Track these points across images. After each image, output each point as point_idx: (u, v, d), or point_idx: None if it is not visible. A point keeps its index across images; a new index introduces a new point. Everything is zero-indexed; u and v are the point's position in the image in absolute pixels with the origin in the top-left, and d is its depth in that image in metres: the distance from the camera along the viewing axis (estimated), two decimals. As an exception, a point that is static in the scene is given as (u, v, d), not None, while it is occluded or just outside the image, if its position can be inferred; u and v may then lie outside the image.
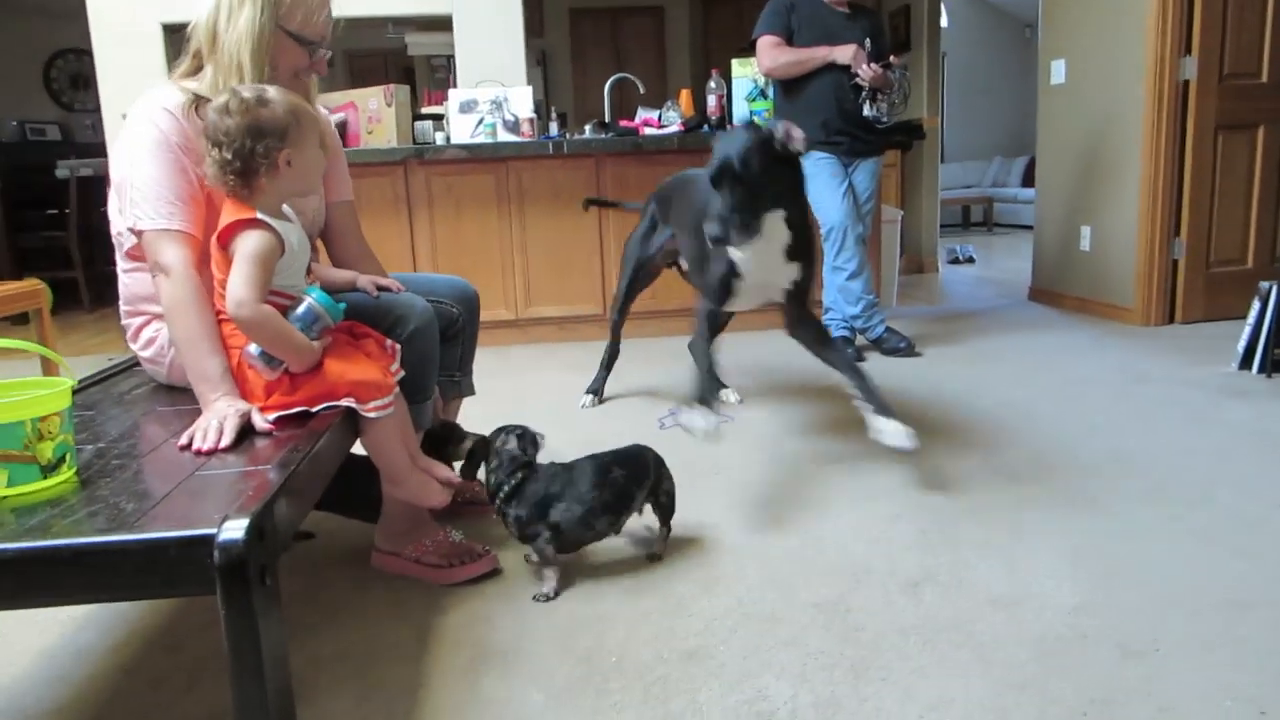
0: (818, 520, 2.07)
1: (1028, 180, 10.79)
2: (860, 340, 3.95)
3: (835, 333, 3.95)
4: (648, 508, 1.87)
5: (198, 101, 1.66)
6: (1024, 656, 1.48)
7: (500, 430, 1.90)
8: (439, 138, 4.38)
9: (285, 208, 1.63)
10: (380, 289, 1.85)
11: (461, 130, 4.32)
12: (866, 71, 3.55)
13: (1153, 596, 1.65)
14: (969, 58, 10.97)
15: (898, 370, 3.58)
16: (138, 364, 1.93)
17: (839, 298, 3.87)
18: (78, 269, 6.49)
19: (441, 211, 4.33)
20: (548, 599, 1.75)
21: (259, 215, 1.53)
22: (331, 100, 4.34)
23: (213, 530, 1.02)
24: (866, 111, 3.68)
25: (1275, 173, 4.14)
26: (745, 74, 4.38)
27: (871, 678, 1.44)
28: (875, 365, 3.66)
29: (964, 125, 11.21)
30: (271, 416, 1.50)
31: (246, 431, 1.45)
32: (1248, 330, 3.31)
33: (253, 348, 1.53)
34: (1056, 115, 4.83)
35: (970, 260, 7.28)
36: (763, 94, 4.34)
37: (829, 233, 3.78)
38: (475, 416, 2.29)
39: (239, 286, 1.49)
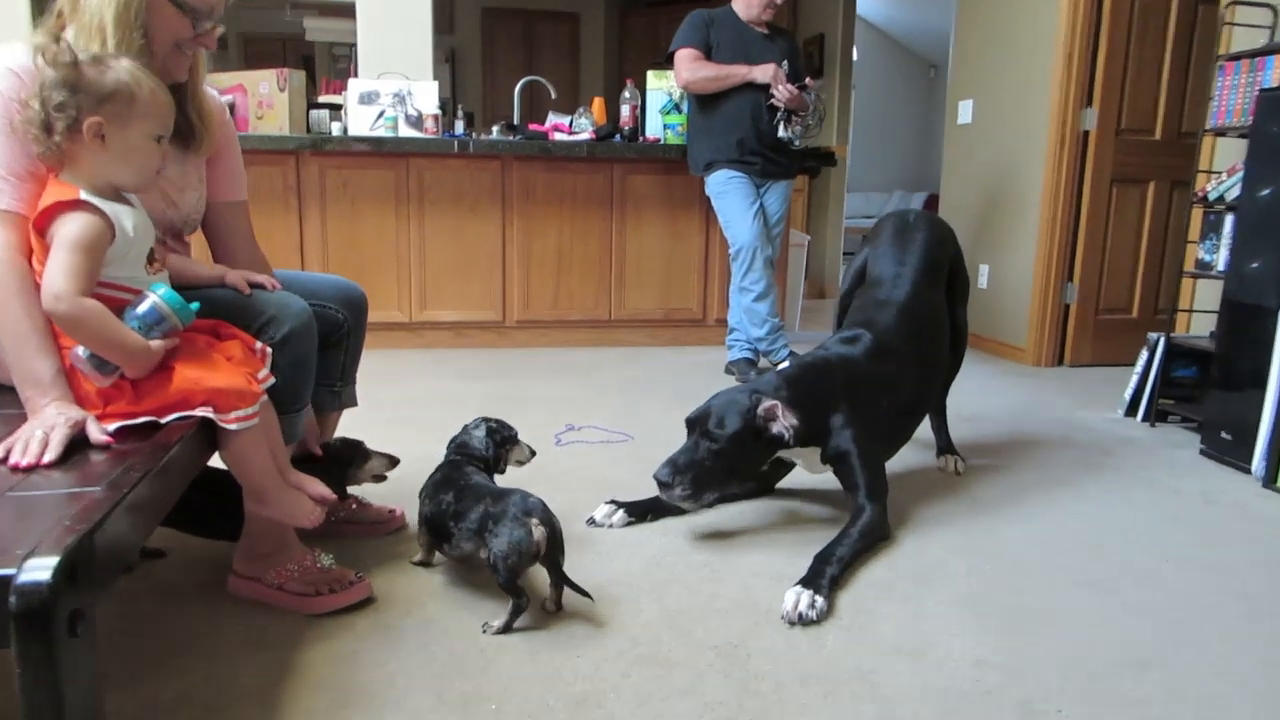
0: (718, 556, 1.97)
1: (925, 215, 11.15)
2: (763, 363, 3.91)
3: (738, 354, 3.90)
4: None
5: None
6: (927, 713, 1.40)
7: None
8: (335, 128, 4.15)
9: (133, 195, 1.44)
10: (254, 286, 1.67)
11: (360, 122, 4.10)
12: (784, 92, 3.52)
13: (1053, 651, 1.61)
14: (875, 93, 11.26)
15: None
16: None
17: (744, 319, 3.82)
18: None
19: (335, 207, 4.10)
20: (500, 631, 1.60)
21: (83, 196, 1.34)
22: (218, 81, 4.05)
23: (11, 570, 0.84)
24: (781, 133, 3.65)
25: (1162, 228, 4.31)
26: (660, 86, 4.30)
27: (772, 734, 1.34)
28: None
29: (867, 157, 11.49)
30: (112, 427, 1.31)
31: (80, 444, 1.26)
32: (1134, 379, 3.40)
33: (81, 349, 1.34)
34: (961, 154, 4.93)
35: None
36: (677, 108, 4.28)
37: (738, 252, 3.73)
38: (354, 428, 2.11)
39: (56, 277, 1.29)
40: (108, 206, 1.35)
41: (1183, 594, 1.86)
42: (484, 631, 1.59)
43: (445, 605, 1.70)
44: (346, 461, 1.94)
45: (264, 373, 1.54)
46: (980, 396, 3.65)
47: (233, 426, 1.41)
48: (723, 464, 1.98)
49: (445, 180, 4.17)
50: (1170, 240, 4.31)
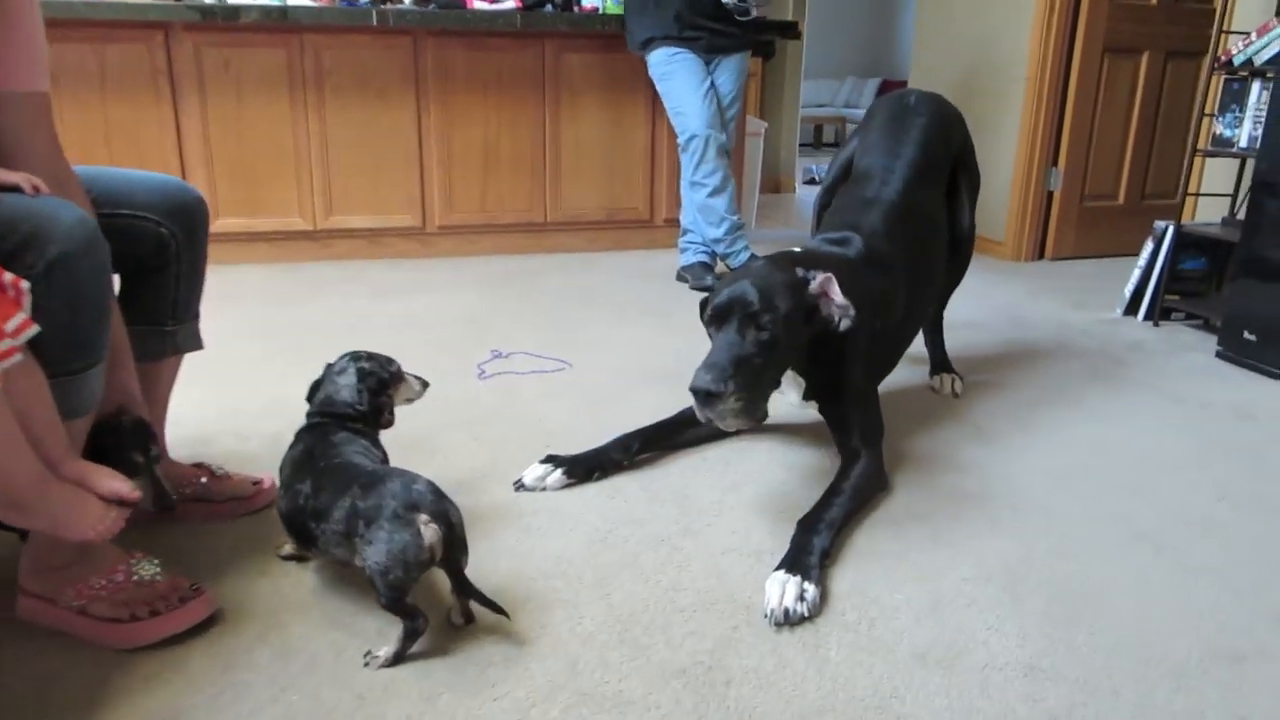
0: (679, 526, 1.56)
1: (880, 102, 10.60)
2: (720, 267, 3.46)
3: (692, 258, 3.43)
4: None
5: None
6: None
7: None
8: (211, -3, 3.48)
9: None
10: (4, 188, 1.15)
11: (241, -11, 3.44)
12: None
13: (1119, 646, 1.24)
14: (827, -29, 10.53)
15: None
16: None
17: (699, 218, 3.35)
18: None
19: (217, 94, 3.46)
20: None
21: None
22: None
23: None
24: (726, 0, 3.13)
25: (1154, 105, 3.89)
26: (596, -53, 3.69)
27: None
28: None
29: (819, 42, 10.82)
30: None
31: None
32: (1136, 273, 3.03)
33: None
34: (935, 27, 4.41)
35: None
36: (613, -27, 3.68)
37: (688, 142, 3.24)
38: (218, 371, 1.62)
39: None
40: None
41: (1248, 545, 1.51)
42: (365, 664, 1.16)
43: (314, 622, 1.26)
44: (115, 447, 1.27)
45: (18, 319, 1.05)
46: (961, 298, 3.24)
47: (-51, 406, 0.93)
48: (776, 360, 1.50)
49: (348, 61, 3.55)
50: (1163, 118, 3.90)
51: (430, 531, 1.10)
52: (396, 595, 1.10)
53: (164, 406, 1.55)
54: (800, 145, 7.30)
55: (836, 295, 1.53)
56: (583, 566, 1.40)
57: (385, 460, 1.36)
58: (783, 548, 1.44)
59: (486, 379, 2.29)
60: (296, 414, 1.61)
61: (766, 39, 4.03)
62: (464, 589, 1.18)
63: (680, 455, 1.83)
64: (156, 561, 1.26)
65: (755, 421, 1.48)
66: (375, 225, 3.74)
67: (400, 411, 1.47)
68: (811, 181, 6.87)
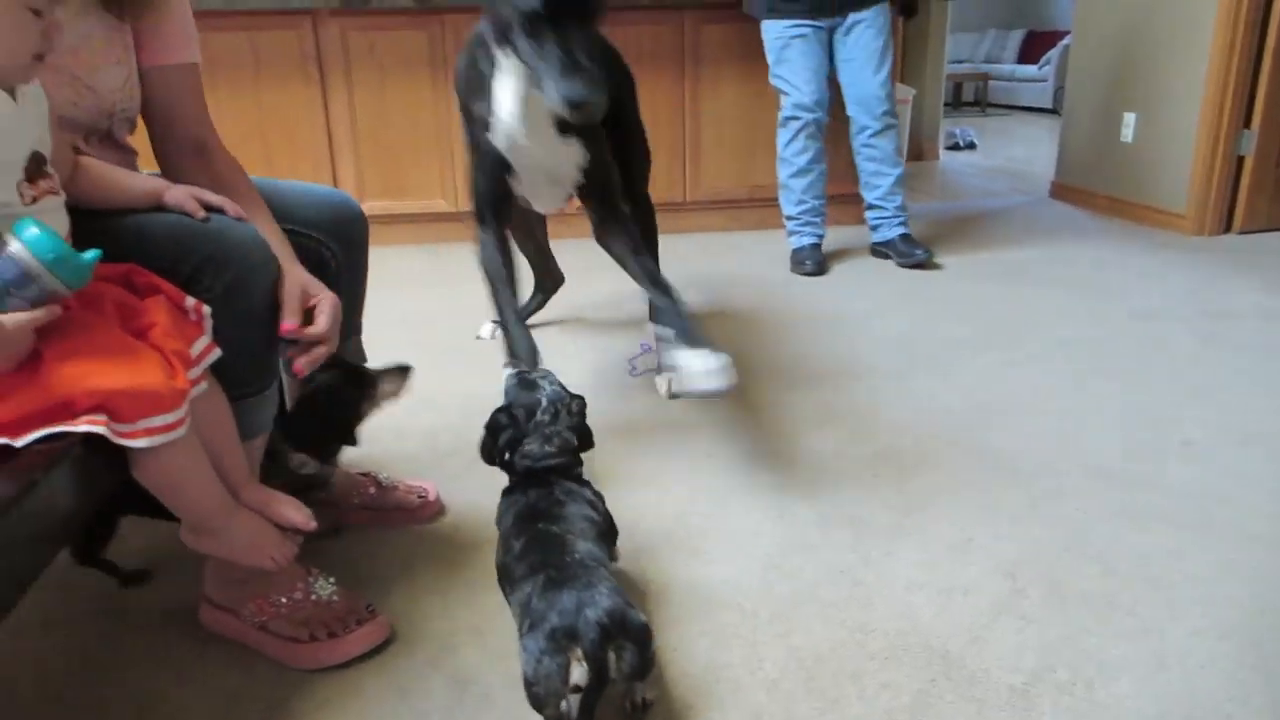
0: (857, 555, 1.45)
1: (1025, 56, 9.96)
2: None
3: (891, 233, 3.27)
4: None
5: None
6: None
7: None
8: (356, -20, 3.50)
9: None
10: (211, 209, 1.14)
11: (384, -29, 3.44)
12: None
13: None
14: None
15: (915, 288, 2.94)
16: None
17: (780, 193, 3.32)
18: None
19: (362, 77, 3.50)
20: None
21: None
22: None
23: None
24: None
25: (1369, 55, 3.45)
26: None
27: None
28: (890, 279, 3.01)
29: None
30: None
31: None
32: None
33: (-109, 327, 0.84)
34: (1104, -19, 4.04)
35: (972, 146, 6.55)
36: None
37: (787, 119, 3.18)
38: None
39: None
40: None
41: None
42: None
43: (489, 652, 1.22)
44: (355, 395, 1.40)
45: (202, 343, 1.04)
46: (1145, 278, 2.98)
47: (142, 443, 0.91)
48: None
49: (487, 40, 3.52)
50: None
51: (579, 671, 0.96)
52: (535, 705, 0.99)
53: (330, 416, 1.55)
54: (946, 105, 6.93)
55: None
56: (758, 599, 1.32)
57: (608, 517, 1.26)
58: (975, 583, 1.32)
59: (637, 375, 2.23)
60: (449, 410, 1.58)
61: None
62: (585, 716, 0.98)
63: (848, 468, 1.72)
64: (332, 580, 1.25)
65: None
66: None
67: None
68: (954, 146, 6.51)
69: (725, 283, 3.07)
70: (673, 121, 3.69)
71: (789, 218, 3.31)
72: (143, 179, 1.16)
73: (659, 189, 3.72)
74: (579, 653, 0.96)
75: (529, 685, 0.97)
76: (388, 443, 1.86)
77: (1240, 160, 3.54)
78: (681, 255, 3.45)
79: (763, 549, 1.45)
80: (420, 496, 1.56)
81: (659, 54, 3.60)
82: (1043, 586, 1.33)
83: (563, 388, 1.33)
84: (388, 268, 3.27)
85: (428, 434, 1.89)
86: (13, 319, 0.85)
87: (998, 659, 1.17)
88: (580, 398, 1.33)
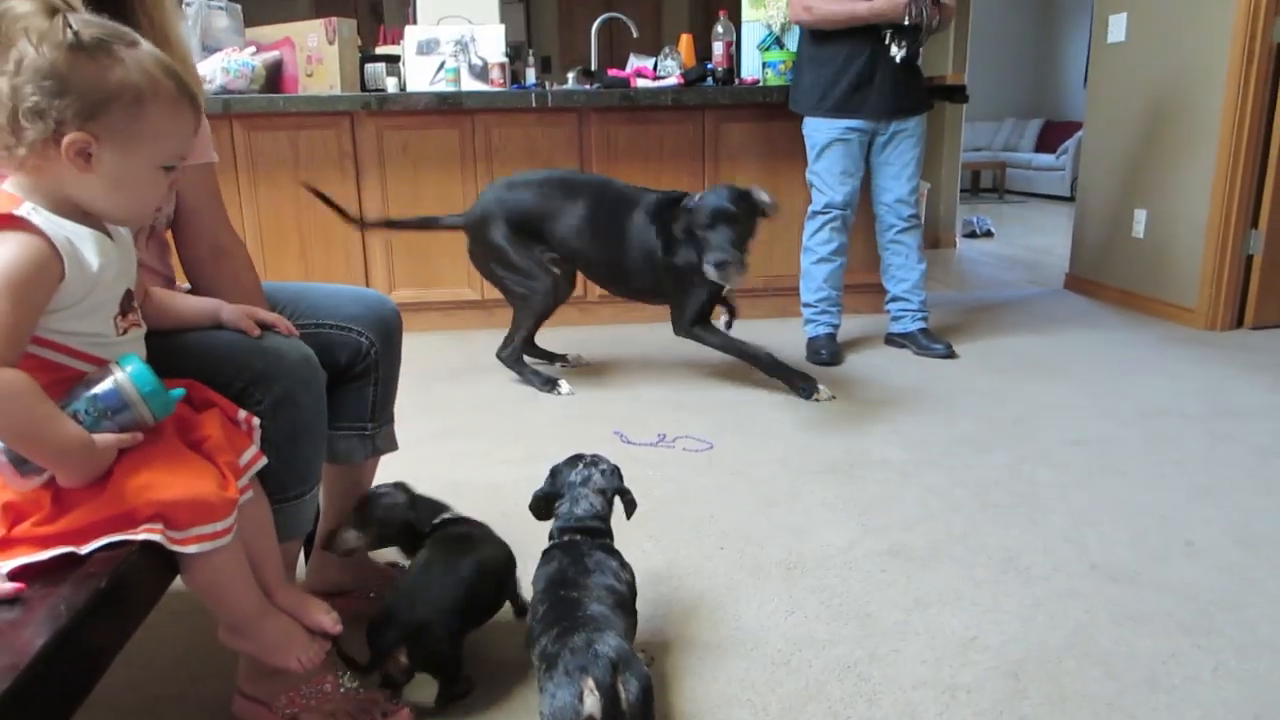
0: (863, 649, 1.50)
1: (1043, 145, 10.16)
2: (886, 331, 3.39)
3: (912, 326, 3.39)
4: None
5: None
6: None
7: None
8: (392, 83, 3.70)
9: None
10: (264, 327, 1.24)
11: (419, 76, 3.65)
12: (924, 11, 2.93)
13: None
14: (985, 9, 10.23)
15: (929, 379, 3.00)
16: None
17: (802, 281, 3.45)
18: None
19: (395, 172, 3.68)
20: None
21: (23, 210, 0.93)
22: (265, 35, 3.66)
23: None
24: (894, 52, 3.06)
25: (1371, 157, 3.55)
26: (758, 17, 3.72)
27: None
28: (905, 370, 3.08)
29: (974, 82, 10.50)
30: (8, 565, 0.91)
31: None
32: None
33: (-3, 441, 0.93)
34: (1112, 78, 4.20)
35: (989, 234, 6.68)
36: (778, 42, 3.69)
37: (815, 213, 3.32)
38: (405, 451, 1.69)
39: None
40: (59, 228, 0.94)
41: None
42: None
43: (507, 744, 1.28)
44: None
45: (250, 453, 1.13)
46: (1156, 373, 3.03)
47: (193, 549, 0.99)
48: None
49: (516, 138, 3.70)
50: (1383, 174, 3.55)
51: (591, 700, 1.05)
52: None
53: (362, 509, 1.63)
54: (963, 191, 7.08)
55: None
56: (767, 695, 1.36)
57: (631, 586, 1.34)
58: (979, 682, 1.36)
59: (655, 470, 2.30)
60: (475, 497, 1.66)
61: (956, 87, 3.91)
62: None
63: (858, 563, 1.77)
64: (357, 678, 1.31)
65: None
66: (538, 294, 3.85)
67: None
68: (972, 234, 6.63)
69: (742, 369, 3.15)
70: (692, 215, 3.82)
71: (806, 305, 3.41)
72: (199, 301, 1.26)
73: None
74: (590, 683, 1.04)
75: None
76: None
77: (1249, 259, 3.61)
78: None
79: (772, 644, 1.50)
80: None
81: (680, 150, 3.76)
82: (1045, 688, 1.37)
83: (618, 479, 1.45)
84: (417, 355, 3.39)
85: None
86: (103, 439, 0.95)
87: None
88: (611, 467, 1.44)
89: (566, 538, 1.36)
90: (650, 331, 3.74)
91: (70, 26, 0.92)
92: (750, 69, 3.79)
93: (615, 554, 1.35)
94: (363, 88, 3.70)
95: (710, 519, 1.98)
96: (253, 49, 3.53)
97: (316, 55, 3.53)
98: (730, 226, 2.58)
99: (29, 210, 0.93)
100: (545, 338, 3.38)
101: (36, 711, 0.75)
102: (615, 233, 2.84)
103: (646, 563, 1.77)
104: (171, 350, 1.15)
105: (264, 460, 1.14)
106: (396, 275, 3.74)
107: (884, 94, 3.09)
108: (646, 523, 1.96)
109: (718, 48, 3.74)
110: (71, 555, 0.93)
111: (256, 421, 1.14)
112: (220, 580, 1.07)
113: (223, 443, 1.08)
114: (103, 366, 1.00)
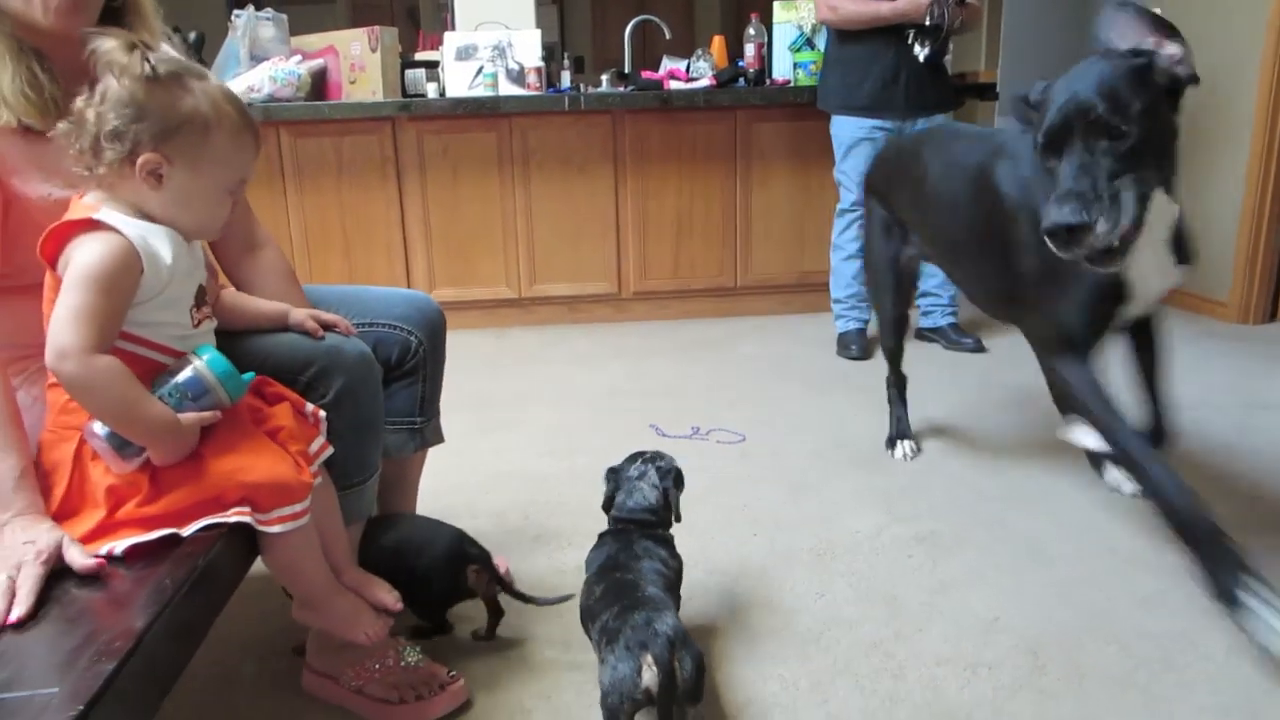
0: (889, 628, 1.58)
1: (1077, 135, 10.07)
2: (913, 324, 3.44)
3: (942, 320, 3.44)
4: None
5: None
6: None
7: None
8: (432, 89, 3.82)
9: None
10: (326, 328, 1.35)
11: (458, 81, 3.76)
12: (946, 12, 2.96)
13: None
14: (1019, 5, 10.15)
15: (957, 373, 3.05)
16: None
17: (831, 278, 3.49)
18: None
19: (435, 175, 3.79)
20: None
21: (100, 214, 1.04)
22: (310, 44, 3.79)
23: None
24: (917, 50, 3.10)
25: None
26: (789, 19, 3.78)
27: None
28: (934, 364, 3.14)
29: (1010, 78, 10.43)
30: (121, 547, 1.02)
31: (60, 574, 0.97)
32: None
33: (97, 425, 1.05)
34: (1143, 72, 4.20)
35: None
36: (809, 43, 3.75)
37: (843, 211, 3.37)
38: (450, 443, 1.79)
39: (62, 326, 1.00)
40: (132, 227, 1.05)
41: None
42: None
43: (557, 713, 1.37)
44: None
45: (319, 442, 1.23)
46: (1186, 368, 3.04)
47: (277, 529, 1.10)
48: (1143, 164, 1.39)
49: (551, 140, 3.80)
50: None
51: (649, 675, 1.14)
52: (609, 717, 1.16)
53: (413, 498, 1.73)
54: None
55: (1168, 44, 1.43)
56: (798, 670, 1.45)
57: (679, 573, 1.43)
58: (1000, 659, 1.44)
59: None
60: (517, 488, 1.74)
61: (985, 85, 3.95)
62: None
63: (886, 549, 1.85)
64: (418, 648, 1.42)
65: (1127, 254, 1.38)
66: (574, 292, 3.96)
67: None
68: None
69: (775, 363, 3.22)
70: (726, 212, 3.91)
71: (836, 300, 3.47)
72: (268, 304, 1.37)
73: (711, 275, 3.95)
74: (649, 659, 1.14)
75: (605, 696, 1.15)
76: (459, 521, 2.03)
77: (1284, 250, 3.62)
78: (733, 336, 3.63)
79: (803, 624, 1.58)
80: (494, 571, 1.72)
81: (712, 150, 3.84)
82: (1063, 665, 1.44)
83: (673, 475, 1.52)
84: (458, 351, 3.51)
85: (497, 513, 2.07)
86: (188, 419, 1.06)
87: (1017, 732, 1.29)
88: (670, 466, 1.52)
89: (619, 526, 1.46)
90: (682, 327, 3.83)
91: (148, 60, 1.04)
92: (782, 70, 3.86)
93: (665, 543, 1.45)
94: (404, 93, 3.82)
95: (743, 508, 2.06)
96: (298, 57, 3.66)
97: (359, 63, 3.65)
98: (1091, 140, 1.38)
99: (106, 214, 1.05)
100: (574, 335, 3.46)
101: (145, 682, 0.85)
102: (950, 196, 1.95)
103: (682, 549, 1.86)
104: (244, 350, 1.26)
105: (331, 450, 1.25)
106: (437, 274, 3.85)
107: (909, 92, 3.14)
108: (683, 512, 2.05)
109: (749, 49, 3.82)
110: (172, 536, 1.04)
111: (323, 414, 1.25)
112: (297, 559, 1.18)
113: (295, 432, 1.18)
114: (181, 358, 1.11)
